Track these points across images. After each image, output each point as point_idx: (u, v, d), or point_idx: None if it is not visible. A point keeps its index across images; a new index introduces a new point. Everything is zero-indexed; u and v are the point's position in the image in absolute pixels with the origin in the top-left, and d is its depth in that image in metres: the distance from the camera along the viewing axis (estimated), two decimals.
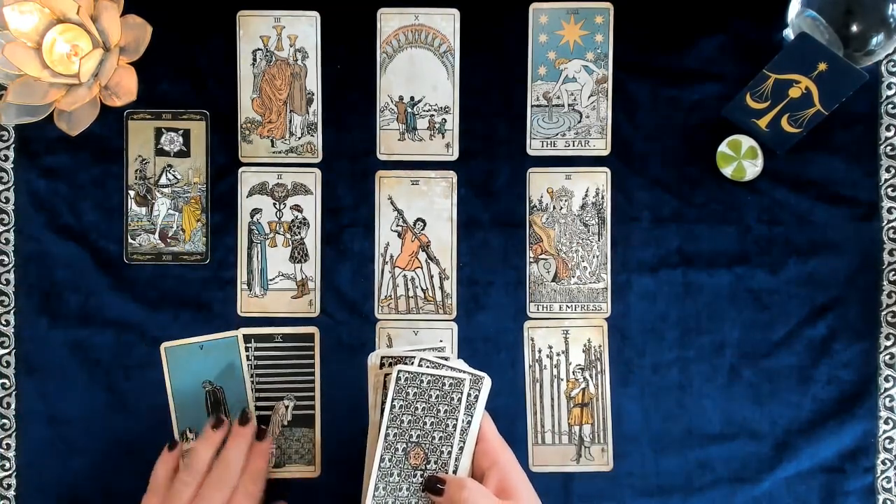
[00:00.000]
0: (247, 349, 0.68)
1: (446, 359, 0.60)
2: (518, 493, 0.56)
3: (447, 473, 0.58)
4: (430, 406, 0.58)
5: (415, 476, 0.58)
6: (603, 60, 0.69)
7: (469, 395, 0.58)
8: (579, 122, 0.69)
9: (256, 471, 0.63)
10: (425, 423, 0.58)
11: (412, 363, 0.59)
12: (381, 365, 0.60)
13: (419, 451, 0.58)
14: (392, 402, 0.58)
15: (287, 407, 0.68)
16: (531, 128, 0.69)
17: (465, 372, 0.59)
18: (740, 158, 0.68)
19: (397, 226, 0.69)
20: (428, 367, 0.59)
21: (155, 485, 0.62)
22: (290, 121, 0.69)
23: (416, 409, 0.58)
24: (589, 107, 0.69)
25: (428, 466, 0.58)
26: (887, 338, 0.68)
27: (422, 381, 0.58)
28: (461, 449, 0.58)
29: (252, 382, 0.68)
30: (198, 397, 0.68)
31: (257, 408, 0.68)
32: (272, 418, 0.68)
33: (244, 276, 0.68)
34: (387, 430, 0.58)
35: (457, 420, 0.58)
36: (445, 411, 0.58)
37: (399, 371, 0.58)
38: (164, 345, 0.68)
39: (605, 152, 0.69)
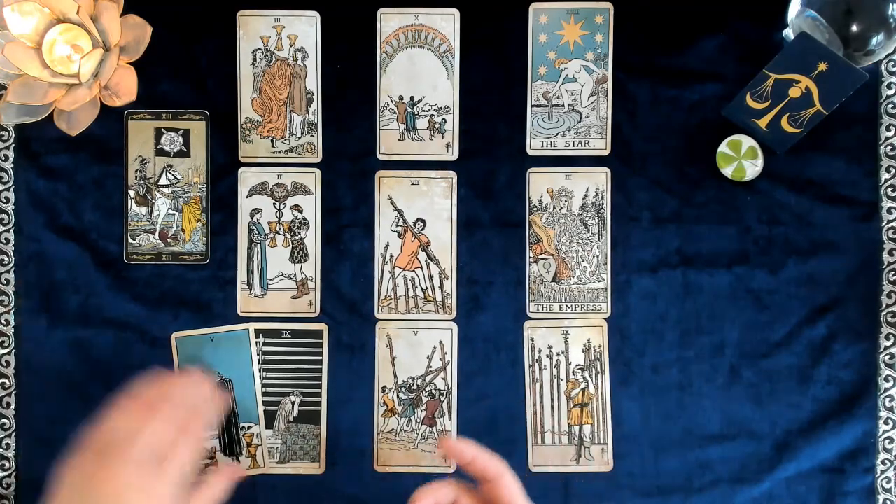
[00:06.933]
0: (255, 344, 0.68)
1: None
2: None
3: None
4: None
5: None
6: (603, 60, 0.69)
7: None
8: (579, 122, 0.69)
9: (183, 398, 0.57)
10: None
11: None
12: None
13: None
14: None
15: (293, 403, 0.68)
16: (531, 128, 0.69)
17: None
18: (740, 158, 0.68)
19: (397, 226, 0.69)
20: None
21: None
22: (290, 121, 0.69)
23: None
24: (589, 107, 0.69)
25: None
26: (887, 338, 0.68)
27: None
28: None
29: (260, 376, 0.68)
30: None
31: (264, 402, 0.68)
32: (278, 413, 0.68)
33: (244, 276, 0.69)
34: None
35: None
36: None
37: None
38: (174, 334, 0.68)
39: (605, 152, 0.69)
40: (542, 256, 0.69)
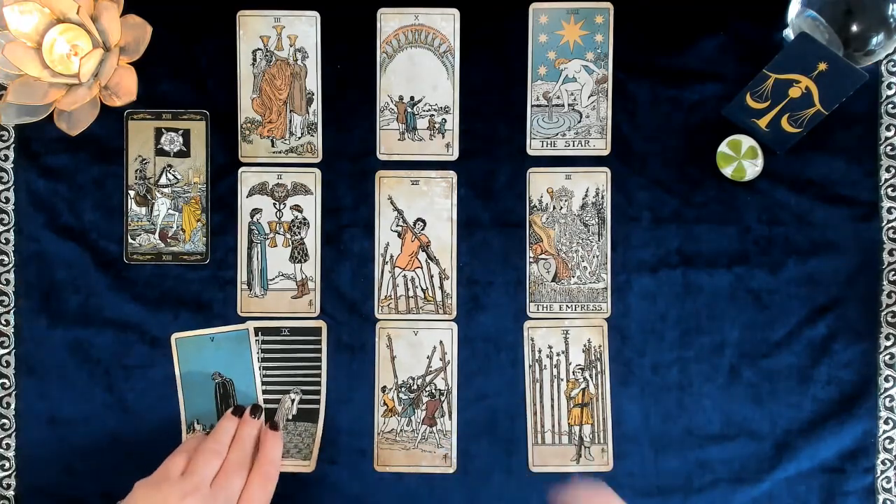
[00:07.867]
0: (255, 342, 0.68)
1: None
2: None
3: None
4: None
5: None
6: (603, 60, 0.69)
7: None
8: (579, 122, 0.69)
9: (271, 456, 0.64)
10: None
11: None
12: None
13: None
14: None
15: (293, 401, 0.68)
16: (531, 128, 0.69)
17: None
18: (740, 158, 0.68)
19: (397, 226, 0.69)
20: None
21: (186, 447, 0.63)
22: (290, 121, 0.69)
23: None
24: (589, 107, 0.69)
25: None
26: (887, 338, 0.68)
27: None
28: None
29: (259, 374, 0.68)
30: (207, 388, 0.68)
31: (264, 401, 0.68)
32: (278, 412, 0.68)
33: (244, 276, 0.69)
34: None
35: None
36: None
37: None
38: (174, 335, 0.68)
39: (605, 152, 0.69)
40: (542, 256, 0.69)
